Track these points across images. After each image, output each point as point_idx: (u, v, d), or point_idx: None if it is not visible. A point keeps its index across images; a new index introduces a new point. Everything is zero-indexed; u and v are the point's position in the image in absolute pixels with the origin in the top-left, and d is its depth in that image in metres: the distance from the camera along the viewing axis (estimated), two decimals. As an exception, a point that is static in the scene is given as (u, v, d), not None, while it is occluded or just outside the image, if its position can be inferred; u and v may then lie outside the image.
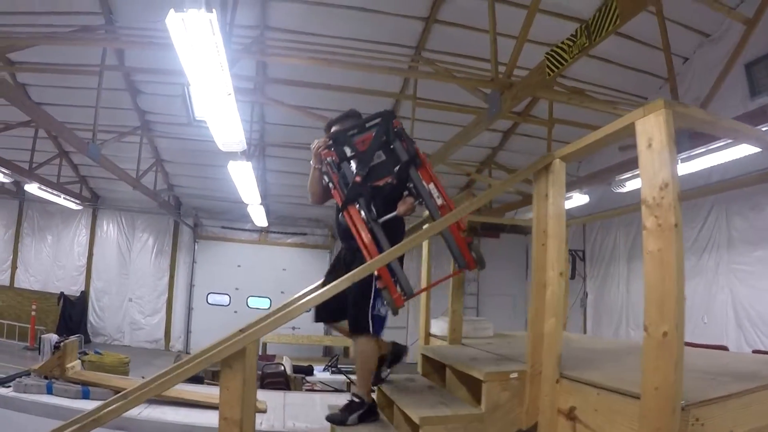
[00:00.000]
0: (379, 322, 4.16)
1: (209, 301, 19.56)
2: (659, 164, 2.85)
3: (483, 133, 10.30)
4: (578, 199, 11.96)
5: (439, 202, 4.16)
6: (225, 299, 19.86)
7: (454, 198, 5.43)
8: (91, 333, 19.53)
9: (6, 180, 14.88)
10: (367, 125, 4.37)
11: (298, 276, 18.87)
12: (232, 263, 20.01)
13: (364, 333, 4.13)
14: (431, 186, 4.20)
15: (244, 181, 12.23)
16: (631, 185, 9.91)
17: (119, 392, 7.35)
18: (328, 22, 9.72)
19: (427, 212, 4.44)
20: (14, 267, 20.54)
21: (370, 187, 4.12)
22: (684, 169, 7.83)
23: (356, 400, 4.19)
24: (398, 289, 3.93)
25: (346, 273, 3.67)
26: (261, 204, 15.03)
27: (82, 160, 16.68)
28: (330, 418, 4.19)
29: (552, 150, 10.18)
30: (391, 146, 4.24)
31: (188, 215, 20.04)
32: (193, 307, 20.13)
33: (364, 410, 4.13)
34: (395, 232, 4.15)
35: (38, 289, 20.10)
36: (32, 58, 10.21)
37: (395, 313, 3.98)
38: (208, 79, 6.06)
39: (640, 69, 10.27)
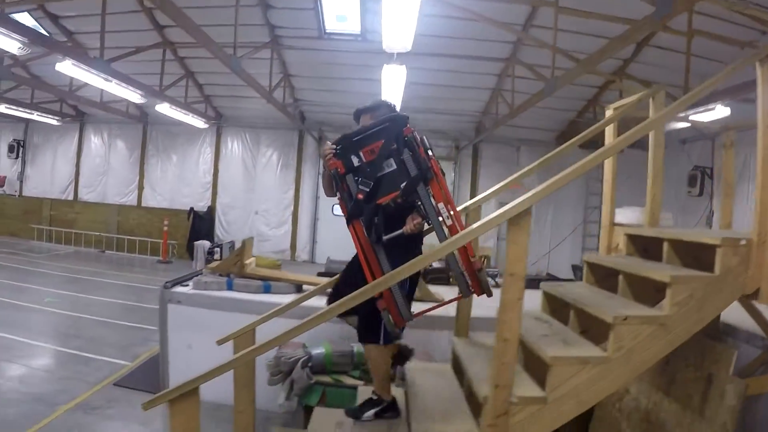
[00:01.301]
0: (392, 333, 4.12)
1: (335, 212, 19.51)
2: None
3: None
4: (719, 112, 11.26)
5: (449, 222, 3.86)
6: (351, 212, 20.27)
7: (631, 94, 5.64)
8: (218, 246, 20.86)
9: (141, 101, 15.78)
10: (375, 130, 3.97)
11: (424, 186, 19.78)
12: (357, 175, 20.16)
13: (373, 342, 4.24)
14: (440, 205, 3.88)
15: (394, 87, 12.06)
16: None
17: (300, 286, 8.00)
18: None
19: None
20: (141, 187, 22.00)
21: (374, 205, 3.86)
22: None
23: (374, 397, 4.50)
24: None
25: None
26: (399, 112, 14.90)
27: (207, 79, 17.61)
28: (347, 412, 4.49)
29: (691, 64, 10.11)
30: (401, 157, 3.89)
31: (312, 129, 20.47)
32: (319, 218, 20.86)
33: (382, 407, 4.43)
34: (404, 248, 3.92)
35: (165, 206, 21.48)
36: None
37: (395, 334, 4.04)
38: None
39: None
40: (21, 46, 10.56)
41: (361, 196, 3.82)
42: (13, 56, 13.72)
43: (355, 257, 4.19)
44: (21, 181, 23.84)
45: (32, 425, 6.59)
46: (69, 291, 14.14)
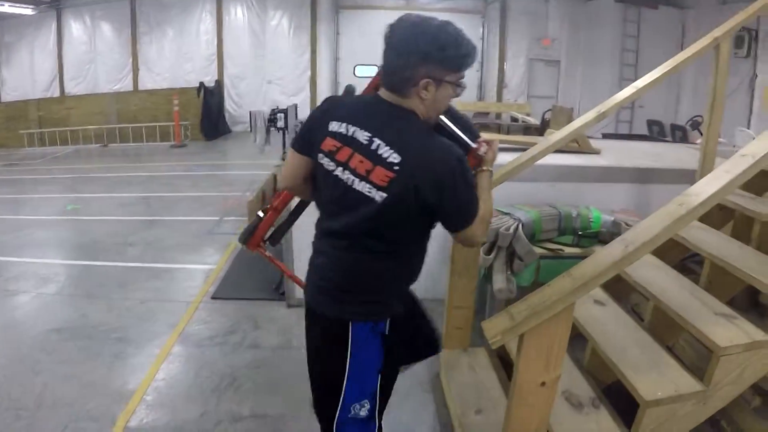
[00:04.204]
0: None
1: (357, 74, 18.55)
2: None
3: None
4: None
5: None
6: (374, 70, 19.14)
7: None
8: (230, 122, 19.65)
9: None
10: None
11: (452, 42, 18.77)
12: (379, 32, 18.76)
13: None
14: None
15: None
16: None
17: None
18: None
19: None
20: (136, 69, 20.07)
21: None
22: None
23: None
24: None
25: None
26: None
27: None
28: None
29: None
30: None
31: (325, -16, 18.36)
32: (340, 82, 19.46)
33: None
34: None
35: (166, 86, 19.69)
36: None
37: None
38: None
39: None
40: None
41: None
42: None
43: None
44: (-3, 87, 21.62)
45: (140, 375, 4.68)
46: (88, 193, 12.28)
